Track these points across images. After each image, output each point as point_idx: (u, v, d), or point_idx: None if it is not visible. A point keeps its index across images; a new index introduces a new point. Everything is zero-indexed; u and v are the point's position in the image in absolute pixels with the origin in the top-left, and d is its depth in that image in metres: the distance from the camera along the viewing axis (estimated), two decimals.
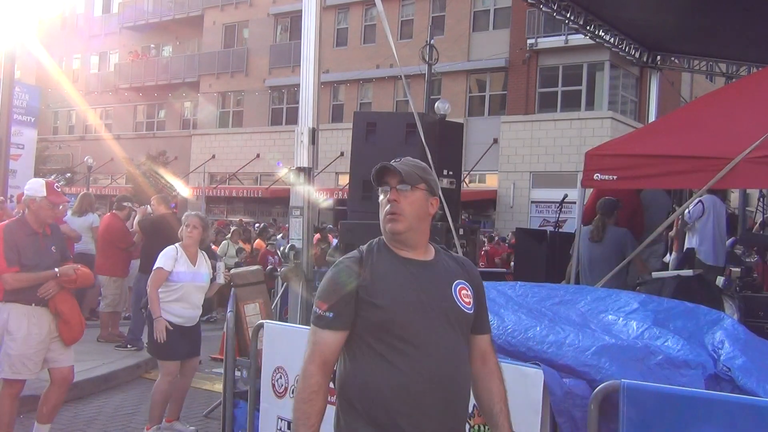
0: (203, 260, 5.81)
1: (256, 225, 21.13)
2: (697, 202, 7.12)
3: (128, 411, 6.56)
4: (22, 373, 4.82)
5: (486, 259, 17.37)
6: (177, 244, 5.69)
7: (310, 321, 2.42)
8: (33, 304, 4.77)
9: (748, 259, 9.11)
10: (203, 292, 5.79)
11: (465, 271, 2.52)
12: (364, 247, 2.46)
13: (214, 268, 5.99)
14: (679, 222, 7.71)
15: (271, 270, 6.89)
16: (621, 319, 3.26)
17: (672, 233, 8.07)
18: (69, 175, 34.87)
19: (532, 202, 25.11)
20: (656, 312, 3.31)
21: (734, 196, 12.63)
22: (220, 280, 6.04)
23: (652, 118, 12.32)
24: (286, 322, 5.81)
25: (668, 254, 8.24)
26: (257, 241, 15.70)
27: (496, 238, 19.55)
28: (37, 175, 28.02)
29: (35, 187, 4.93)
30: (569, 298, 3.59)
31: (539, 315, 3.33)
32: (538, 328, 3.15)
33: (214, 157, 32.91)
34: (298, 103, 5.88)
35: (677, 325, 3.21)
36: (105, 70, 39.55)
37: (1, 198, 9.46)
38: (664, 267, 7.73)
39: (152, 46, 38.23)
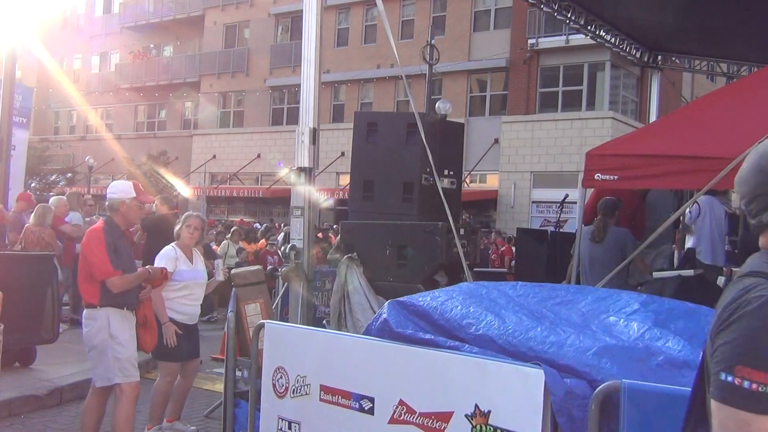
0: (198, 257, 5.88)
1: (256, 225, 21.12)
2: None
3: None
4: (133, 375, 4.81)
5: (500, 259, 17.36)
6: (173, 244, 5.71)
7: (724, 399, 1.45)
8: (125, 308, 4.80)
9: None
10: (203, 288, 5.85)
11: None
12: None
13: (212, 265, 6.01)
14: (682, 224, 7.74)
15: (272, 270, 6.89)
16: (622, 320, 3.25)
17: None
18: (70, 175, 34.89)
19: (533, 202, 25.11)
20: (657, 313, 3.30)
21: (735, 196, 12.61)
22: (219, 277, 6.07)
23: (652, 118, 12.31)
24: (287, 322, 5.82)
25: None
26: (261, 241, 15.67)
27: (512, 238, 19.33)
28: (36, 175, 27.95)
29: (124, 188, 4.90)
30: (570, 298, 3.58)
31: (540, 316, 3.33)
32: (539, 329, 3.15)
33: (214, 157, 32.93)
34: (298, 103, 5.88)
35: (678, 325, 3.21)
36: (106, 70, 39.59)
37: None
38: (671, 266, 7.74)
39: (153, 46, 38.26)
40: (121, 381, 4.76)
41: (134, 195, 4.85)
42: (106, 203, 4.94)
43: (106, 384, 4.77)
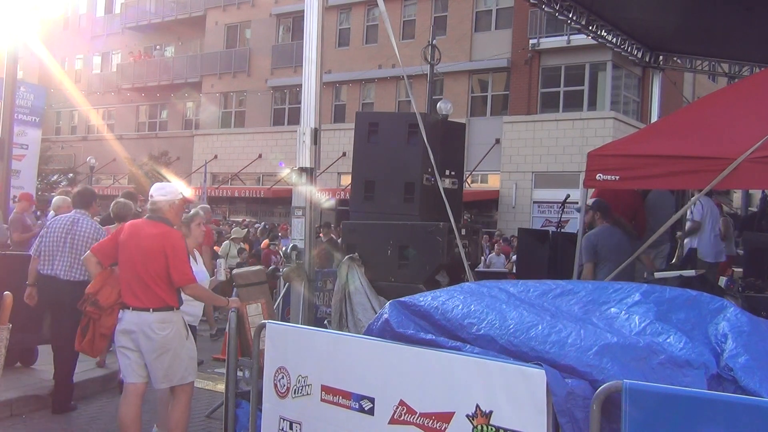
0: (200, 257, 5.88)
1: (256, 225, 21.12)
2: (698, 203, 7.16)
3: None
4: (195, 372, 4.95)
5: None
6: None
7: None
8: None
9: None
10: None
11: None
12: None
13: (213, 265, 6.01)
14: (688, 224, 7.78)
15: (274, 270, 6.90)
16: (623, 312, 3.24)
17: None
18: (71, 175, 34.85)
19: (535, 202, 25.10)
20: (658, 304, 3.28)
21: (736, 197, 12.61)
22: (221, 276, 6.06)
23: (654, 118, 12.32)
24: (288, 322, 5.82)
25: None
26: (264, 241, 15.72)
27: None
28: (38, 175, 27.95)
29: (172, 190, 4.88)
30: (570, 287, 3.57)
31: (541, 310, 3.33)
32: (540, 327, 3.15)
33: (216, 157, 32.93)
34: (300, 103, 5.89)
35: (680, 317, 3.20)
36: (107, 71, 39.60)
37: None
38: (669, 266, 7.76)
39: (154, 46, 38.26)
40: (193, 379, 4.88)
41: (182, 196, 4.87)
42: (151, 206, 4.80)
43: (178, 384, 4.78)
